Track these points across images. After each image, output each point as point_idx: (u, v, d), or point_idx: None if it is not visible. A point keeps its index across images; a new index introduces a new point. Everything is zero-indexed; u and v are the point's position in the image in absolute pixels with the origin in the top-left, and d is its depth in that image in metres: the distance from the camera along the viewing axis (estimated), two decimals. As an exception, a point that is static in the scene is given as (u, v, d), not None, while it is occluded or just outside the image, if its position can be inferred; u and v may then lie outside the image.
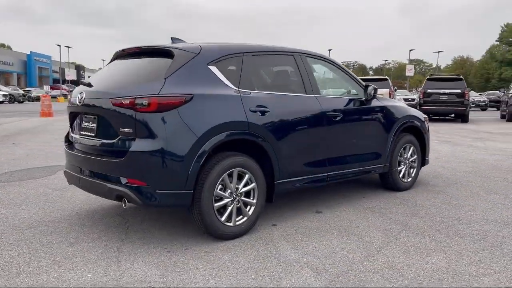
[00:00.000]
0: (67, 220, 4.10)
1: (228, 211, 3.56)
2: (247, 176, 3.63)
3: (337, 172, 4.48)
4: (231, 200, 3.56)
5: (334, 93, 4.85)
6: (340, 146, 4.49)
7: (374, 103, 4.93)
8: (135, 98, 3.23)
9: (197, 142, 3.29)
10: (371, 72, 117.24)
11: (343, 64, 6.90)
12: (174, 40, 3.99)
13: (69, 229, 3.83)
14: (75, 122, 3.96)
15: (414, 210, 4.52)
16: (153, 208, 4.27)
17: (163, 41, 3.91)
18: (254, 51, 3.97)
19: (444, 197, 5.09)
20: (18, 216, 4.22)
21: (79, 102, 3.66)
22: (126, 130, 3.27)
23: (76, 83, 79.93)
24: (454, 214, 4.35)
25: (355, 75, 4.96)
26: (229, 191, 3.55)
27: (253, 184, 3.68)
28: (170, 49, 3.56)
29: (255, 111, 3.68)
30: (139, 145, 3.22)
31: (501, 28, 62.67)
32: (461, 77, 18.73)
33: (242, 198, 3.64)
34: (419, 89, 20.22)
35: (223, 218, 3.51)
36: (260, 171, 3.71)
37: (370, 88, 4.79)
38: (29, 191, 5.23)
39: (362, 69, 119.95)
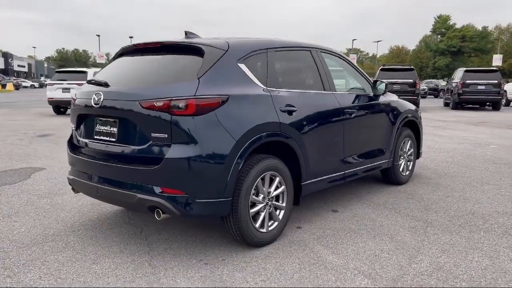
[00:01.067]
0: (73, 233, 3.73)
1: (262, 216, 3.39)
2: (277, 179, 3.48)
3: (353, 169, 4.43)
4: (264, 205, 3.40)
5: (345, 89, 4.78)
6: (355, 143, 4.44)
7: (381, 98, 4.92)
8: (170, 100, 2.95)
9: (235, 145, 3.09)
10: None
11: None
12: (188, 34, 3.71)
13: (82, 243, 3.48)
14: (82, 125, 3.59)
15: (425, 204, 4.58)
16: (189, 219, 3.92)
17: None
18: (276, 46, 3.78)
19: (444, 189, 5.21)
20: (14, 230, 3.79)
21: (95, 104, 3.29)
22: (160, 135, 2.99)
23: (4, 72, 73.79)
24: (464, 208, 4.45)
25: (362, 71, 4.92)
26: (261, 196, 3.37)
27: (282, 187, 3.53)
28: (198, 45, 3.28)
29: (284, 111, 3.52)
30: (176, 151, 2.96)
31: (434, 19, 66.15)
32: (412, 67, 19.53)
33: (273, 202, 3.49)
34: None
35: (257, 225, 3.35)
36: (288, 173, 3.57)
37: (380, 84, 4.77)
38: (11, 199, 4.73)
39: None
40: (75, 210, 4.36)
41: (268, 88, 3.47)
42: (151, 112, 3.00)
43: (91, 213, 4.29)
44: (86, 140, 3.51)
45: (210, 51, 3.24)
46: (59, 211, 4.34)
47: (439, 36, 66.80)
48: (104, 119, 3.35)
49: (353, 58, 52.11)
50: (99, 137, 3.39)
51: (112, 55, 4.65)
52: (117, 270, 3.00)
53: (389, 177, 5.31)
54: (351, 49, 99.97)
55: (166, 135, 2.97)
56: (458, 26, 62.42)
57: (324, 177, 4.02)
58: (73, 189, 3.72)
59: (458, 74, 20.92)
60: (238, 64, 3.34)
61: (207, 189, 3.01)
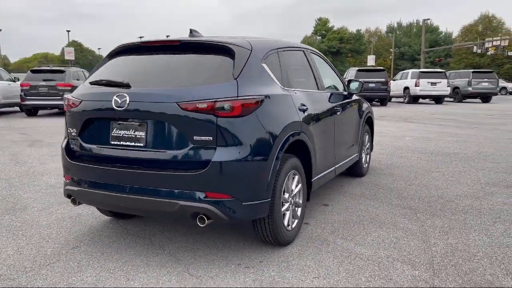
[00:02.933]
0: (76, 249, 3.36)
1: (288, 215, 3.43)
2: (297, 177, 3.54)
3: (339, 164, 4.66)
4: (289, 204, 3.44)
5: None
6: (341, 140, 4.67)
7: (353, 97, 5.23)
8: (215, 101, 2.83)
9: (274, 146, 3.08)
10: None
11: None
12: (193, 32, 3.57)
13: (97, 260, 3.16)
14: (90, 130, 3.24)
15: (397, 193, 4.99)
16: (227, 223, 3.54)
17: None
18: (282, 46, 3.82)
19: (401, 178, 5.72)
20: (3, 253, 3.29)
21: (118, 107, 3.00)
22: (204, 138, 2.85)
23: None
24: (430, 194, 4.96)
25: (336, 70, 5.17)
26: (287, 194, 3.41)
27: (299, 184, 3.60)
28: (227, 45, 3.18)
29: (301, 110, 3.59)
30: (222, 153, 2.85)
31: (315, 22, 70.85)
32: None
33: (295, 200, 3.56)
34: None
35: (285, 223, 3.38)
36: (303, 171, 3.65)
37: (355, 83, 5.06)
38: (-36, 219, 4.06)
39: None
40: (55, 225, 3.91)
41: (285, 88, 3.51)
42: (193, 114, 2.85)
43: (77, 226, 3.89)
44: (97, 146, 3.19)
45: (240, 51, 3.16)
46: (36, 227, 3.85)
47: (319, 37, 71.46)
48: (125, 122, 3.08)
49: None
50: (118, 143, 3.10)
51: None
52: (161, 284, 2.80)
53: (355, 170, 5.67)
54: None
55: (210, 138, 2.85)
56: (335, 28, 67.64)
57: (324, 173, 4.17)
58: (74, 201, 3.34)
59: (351, 73, 22.71)
60: (262, 64, 3.32)
61: (253, 191, 2.96)
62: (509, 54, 52.64)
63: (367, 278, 2.88)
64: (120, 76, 3.23)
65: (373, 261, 3.14)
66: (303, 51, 4.28)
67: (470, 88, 25.56)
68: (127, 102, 2.98)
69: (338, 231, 3.75)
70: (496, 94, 27.30)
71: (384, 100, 22.16)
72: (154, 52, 3.38)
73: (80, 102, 3.24)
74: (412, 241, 3.51)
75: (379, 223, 3.95)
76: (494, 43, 48.45)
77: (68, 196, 3.37)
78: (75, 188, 3.26)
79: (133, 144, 3.05)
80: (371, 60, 54.28)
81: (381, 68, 24.72)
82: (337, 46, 65.41)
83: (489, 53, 53.04)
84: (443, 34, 76.35)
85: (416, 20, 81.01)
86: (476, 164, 6.66)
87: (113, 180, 3.08)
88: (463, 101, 26.54)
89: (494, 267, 3.03)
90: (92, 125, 3.23)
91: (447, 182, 5.50)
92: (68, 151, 3.36)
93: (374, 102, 23.09)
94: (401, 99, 25.34)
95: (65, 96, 3.48)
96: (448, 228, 3.82)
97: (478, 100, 26.86)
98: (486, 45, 48.67)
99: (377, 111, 17.99)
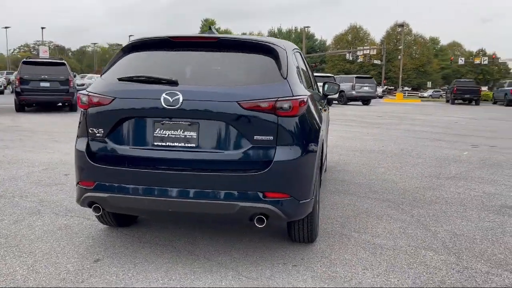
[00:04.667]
0: (99, 263, 3.05)
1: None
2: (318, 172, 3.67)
3: (324, 162, 4.88)
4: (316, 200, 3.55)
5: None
6: (325, 138, 4.89)
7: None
8: (276, 100, 2.82)
9: (318, 143, 3.17)
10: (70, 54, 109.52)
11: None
12: (213, 29, 3.50)
13: (135, 274, 2.92)
14: (124, 130, 2.96)
15: (366, 188, 5.38)
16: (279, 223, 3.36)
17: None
18: (294, 47, 3.90)
19: (360, 174, 6.18)
20: (8, 276, 2.84)
21: (169, 106, 2.80)
22: (264, 137, 2.82)
23: None
24: (393, 187, 5.45)
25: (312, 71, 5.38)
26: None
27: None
28: (269, 44, 3.15)
29: (320, 109, 3.72)
30: (283, 153, 2.85)
31: (201, 22, 70.95)
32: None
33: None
34: None
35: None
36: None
37: (332, 85, 5.31)
38: None
39: (61, 51, 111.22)
40: (48, 238, 3.48)
41: (305, 87, 3.60)
42: (254, 113, 2.80)
43: (76, 237, 3.51)
44: (135, 148, 2.94)
45: (280, 50, 3.17)
46: (27, 242, 3.39)
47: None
48: (172, 122, 2.88)
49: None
50: (163, 143, 2.90)
51: None
52: (227, 290, 2.72)
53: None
54: (112, 44, 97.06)
55: (271, 137, 2.83)
56: (222, 30, 68.46)
57: (324, 169, 4.36)
58: (97, 209, 3.02)
59: None
60: (294, 64, 3.38)
61: (306, 189, 3.01)
62: (374, 62, 58.91)
63: (409, 266, 3.12)
64: (154, 73, 3.02)
65: (399, 251, 3.40)
66: (299, 52, 4.40)
67: (354, 92, 28.08)
68: (180, 100, 2.80)
69: (346, 225, 3.95)
70: (375, 97, 30.38)
71: None
72: (185, 48, 3.21)
73: (113, 99, 2.94)
74: (416, 230, 3.87)
75: (375, 216, 4.25)
76: (365, 51, 53.89)
77: (90, 204, 3.03)
78: (103, 195, 2.95)
79: (182, 144, 2.88)
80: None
81: None
82: (224, 47, 66.45)
83: (358, 60, 58.82)
84: (318, 41, 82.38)
85: (295, 27, 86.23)
86: (407, 160, 7.45)
87: (159, 184, 2.87)
88: (348, 103, 28.99)
89: (497, 247, 3.50)
90: (128, 124, 2.96)
91: (398, 177, 6.08)
92: (91, 153, 3.03)
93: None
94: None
95: (81, 92, 3.12)
96: (435, 216, 4.28)
97: (359, 103, 29.55)
98: (358, 53, 53.86)
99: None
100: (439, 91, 58.98)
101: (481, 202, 4.83)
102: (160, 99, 2.83)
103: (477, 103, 32.10)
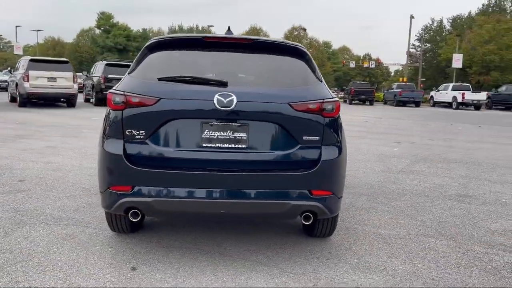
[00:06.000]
0: (151, 271, 2.91)
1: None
2: None
3: None
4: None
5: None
6: None
7: None
8: (322, 102, 2.96)
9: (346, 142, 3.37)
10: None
11: None
12: (230, 30, 3.53)
13: (186, 276, 2.85)
14: (169, 132, 2.86)
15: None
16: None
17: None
18: None
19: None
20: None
21: (223, 107, 2.77)
22: (312, 137, 2.94)
23: None
24: (361, 182, 5.87)
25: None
26: None
27: None
28: (298, 47, 3.25)
29: None
30: (328, 152, 3.00)
31: (97, 15, 67.01)
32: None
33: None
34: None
35: None
36: None
37: None
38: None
39: None
40: (61, 249, 3.22)
41: None
42: (303, 114, 2.91)
43: (91, 246, 3.29)
44: (181, 150, 2.86)
45: (308, 54, 3.30)
46: (47, 254, 3.10)
47: (99, 31, 67.96)
48: (221, 123, 2.86)
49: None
50: (212, 145, 2.86)
51: None
52: (286, 285, 2.79)
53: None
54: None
55: (317, 138, 2.96)
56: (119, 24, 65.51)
57: None
58: (135, 214, 2.90)
59: (99, 68, 19.16)
60: None
61: (342, 186, 3.19)
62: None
63: (423, 252, 3.46)
64: (190, 73, 2.97)
65: (405, 239, 3.74)
66: None
67: None
68: (235, 102, 2.80)
69: (345, 219, 4.21)
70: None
71: None
72: (217, 48, 3.18)
73: (158, 100, 2.82)
74: (406, 220, 4.26)
75: (363, 209, 4.58)
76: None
77: (127, 209, 2.89)
78: (147, 199, 2.83)
79: (232, 146, 2.88)
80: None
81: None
82: (124, 43, 63.58)
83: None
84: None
85: (196, 25, 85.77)
86: (353, 156, 8.01)
87: (209, 185, 2.83)
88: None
89: (477, 230, 4.03)
90: (173, 126, 2.86)
91: (359, 172, 6.54)
92: (129, 156, 2.88)
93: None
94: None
95: (115, 92, 2.93)
96: (413, 207, 4.73)
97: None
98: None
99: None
100: (334, 92, 63.05)
101: (439, 192, 5.43)
102: (213, 100, 2.80)
103: (371, 103, 34.89)
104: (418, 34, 61.47)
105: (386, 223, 4.14)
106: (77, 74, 19.41)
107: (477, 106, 29.81)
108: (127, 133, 2.88)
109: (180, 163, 2.87)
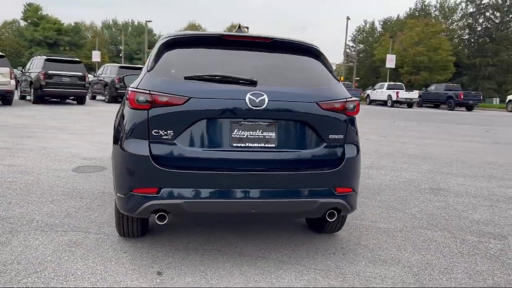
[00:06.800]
0: (179, 276, 2.83)
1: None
2: None
3: None
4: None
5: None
6: None
7: None
8: (345, 101, 3.03)
9: None
10: None
11: None
12: (242, 28, 3.52)
13: (218, 277, 2.81)
14: (195, 131, 2.79)
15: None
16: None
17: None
18: None
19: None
20: None
21: (257, 106, 2.75)
22: (337, 136, 3.00)
23: None
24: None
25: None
26: None
27: None
28: (317, 48, 3.28)
29: None
30: (351, 150, 3.08)
31: (24, 7, 62.83)
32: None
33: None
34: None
35: None
36: None
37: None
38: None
39: None
40: (76, 256, 3.04)
41: None
42: (330, 113, 2.97)
43: (107, 253, 3.13)
44: (209, 150, 2.80)
45: (323, 54, 3.36)
46: (60, 264, 2.91)
47: (25, 23, 63.95)
48: (250, 123, 2.84)
49: None
50: (242, 144, 2.83)
51: None
52: (317, 283, 2.84)
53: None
54: None
55: (341, 136, 3.03)
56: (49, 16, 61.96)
57: None
58: (162, 217, 2.80)
59: (37, 63, 17.83)
60: None
61: (359, 182, 3.29)
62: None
63: (425, 243, 3.66)
64: (214, 71, 2.93)
65: (404, 232, 3.92)
66: None
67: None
68: (266, 101, 2.79)
69: (349, 216, 4.33)
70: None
71: (82, 99, 18.56)
72: (236, 47, 3.15)
73: (188, 99, 2.74)
74: (397, 214, 4.47)
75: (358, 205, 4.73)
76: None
77: (155, 212, 2.78)
78: (177, 201, 2.74)
79: (262, 145, 2.87)
80: (96, 56, 52.70)
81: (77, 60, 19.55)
82: (54, 37, 60.19)
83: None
84: (157, 36, 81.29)
85: (132, 20, 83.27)
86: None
87: (240, 185, 2.81)
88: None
89: (463, 221, 4.32)
90: (202, 125, 2.80)
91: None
92: (156, 157, 2.77)
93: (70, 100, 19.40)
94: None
95: (138, 91, 2.80)
96: (398, 201, 4.97)
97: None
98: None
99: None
100: None
101: (413, 186, 5.74)
102: (244, 99, 2.77)
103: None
104: (352, 35, 64.01)
105: (380, 217, 4.32)
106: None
107: (410, 104, 31.64)
108: (153, 134, 2.77)
109: (209, 163, 2.81)
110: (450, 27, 56.60)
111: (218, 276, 2.85)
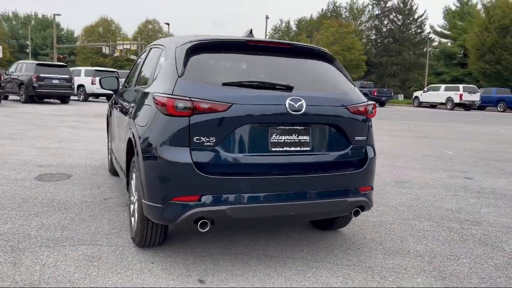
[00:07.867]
0: (221, 282, 2.81)
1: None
2: None
3: None
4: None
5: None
6: None
7: None
8: (367, 104, 3.22)
9: None
10: None
11: None
12: (252, 32, 3.58)
13: (256, 280, 2.85)
14: (236, 137, 2.79)
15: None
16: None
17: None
18: None
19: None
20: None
21: (296, 111, 2.82)
22: (361, 138, 3.18)
23: None
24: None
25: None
26: None
27: None
28: (331, 54, 3.44)
29: None
30: (371, 151, 3.28)
31: None
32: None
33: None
34: None
35: None
36: None
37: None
38: None
39: None
40: (105, 272, 2.89)
41: None
42: (356, 116, 3.13)
43: (134, 266, 3.02)
44: (250, 155, 2.83)
45: (336, 59, 3.51)
46: (92, 281, 2.75)
47: None
48: (287, 127, 2.90)
49: None
50: (280, 149, 2.89)
51: None
52: (339, 283, 3.00)
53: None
54: None
55: (364, 138, 3.22)
56: None
57: None
58: (204, 224, 2.77)
59: (27, 67, 19.72)
60: None
61: (373, 181, 3.50)
62: (130, 57, 58.87)
63: (423, 233, 3.98)
64: (247, 76, 2.97)
65: (400, 224, 4.20)
66: None
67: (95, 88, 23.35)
68: (304, 106, 2.88)
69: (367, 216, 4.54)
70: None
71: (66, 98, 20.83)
72: (258, 52, 3.19)
73: (230, 106, 2.73)
74: (381, 207, 4.78)
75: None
76: (125, 46, 53.18)
77: (197, 220, 2.75)
78: (222, 207, 2.73)
79: (298, 149, 2.95)
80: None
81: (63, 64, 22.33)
82: None
83: (115, 54, 57.68)
84: (65, 31, 76.44)
85: (35, 12, 77.36)
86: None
87: (280, 189, 2.87)
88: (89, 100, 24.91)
89: (440, 210, 4.75)
90: (243, 131, 2.80)
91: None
92: (198, 164, 2.73)
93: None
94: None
95: (176, 98, 2.72)
96: (375, 195, 5.26)
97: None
98: (119, 47, 52.71)
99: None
100: None
101: (381, 181, 6.12)
102: (285, 104, 2.83)
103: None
104: (269, 34, 65.48)
105: (374, 211, 4.54)
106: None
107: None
108: (195, 141, 2.72)
109: (250, 168, 2.84)
110: (359, 28, 60.26)
111: (259, 280, 2.89)
